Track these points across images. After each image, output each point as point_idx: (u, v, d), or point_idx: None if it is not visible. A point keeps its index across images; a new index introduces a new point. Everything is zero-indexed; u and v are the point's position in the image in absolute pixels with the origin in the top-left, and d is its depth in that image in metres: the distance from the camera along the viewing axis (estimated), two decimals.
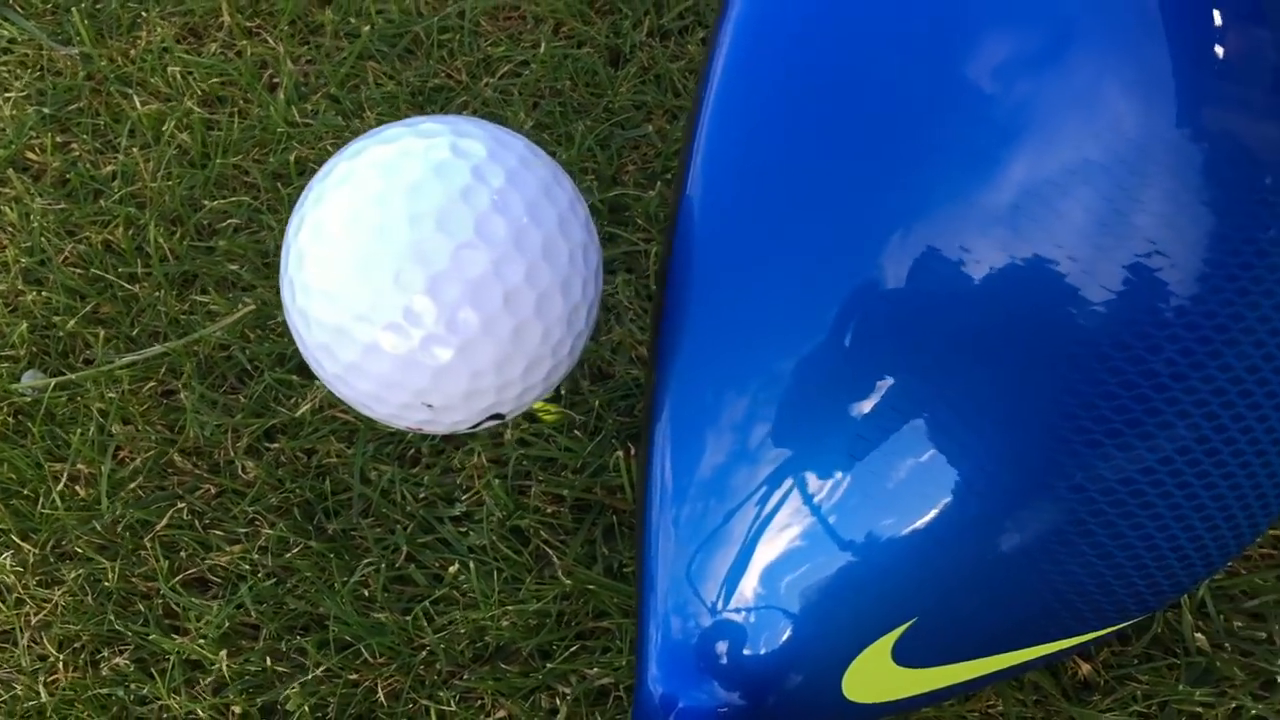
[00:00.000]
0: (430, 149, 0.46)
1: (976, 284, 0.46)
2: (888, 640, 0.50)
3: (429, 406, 0.47)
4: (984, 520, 0.48)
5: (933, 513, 0.47)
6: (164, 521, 0.66)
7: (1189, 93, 0.46)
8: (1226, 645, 0.57)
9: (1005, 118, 0.46)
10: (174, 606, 0.65)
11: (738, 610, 0.50)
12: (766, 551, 0.49)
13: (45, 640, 0.64)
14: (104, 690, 0.63)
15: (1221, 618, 0.57)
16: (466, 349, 0.45)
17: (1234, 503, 0.50)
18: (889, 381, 0.47)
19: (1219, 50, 0.47)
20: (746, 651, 0.50)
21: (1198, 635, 0.57)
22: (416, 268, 0.44)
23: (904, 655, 0.50)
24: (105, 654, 0.64)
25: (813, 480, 0.47)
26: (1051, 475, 0.47)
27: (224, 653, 0.63)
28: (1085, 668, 0.57)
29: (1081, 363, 0.46)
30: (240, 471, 0.68)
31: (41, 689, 0.62)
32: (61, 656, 0.64)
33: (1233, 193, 0.46)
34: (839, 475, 0.48)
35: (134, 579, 0.66)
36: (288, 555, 0.65)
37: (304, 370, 0.71)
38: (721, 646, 0.50)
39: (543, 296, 0.46)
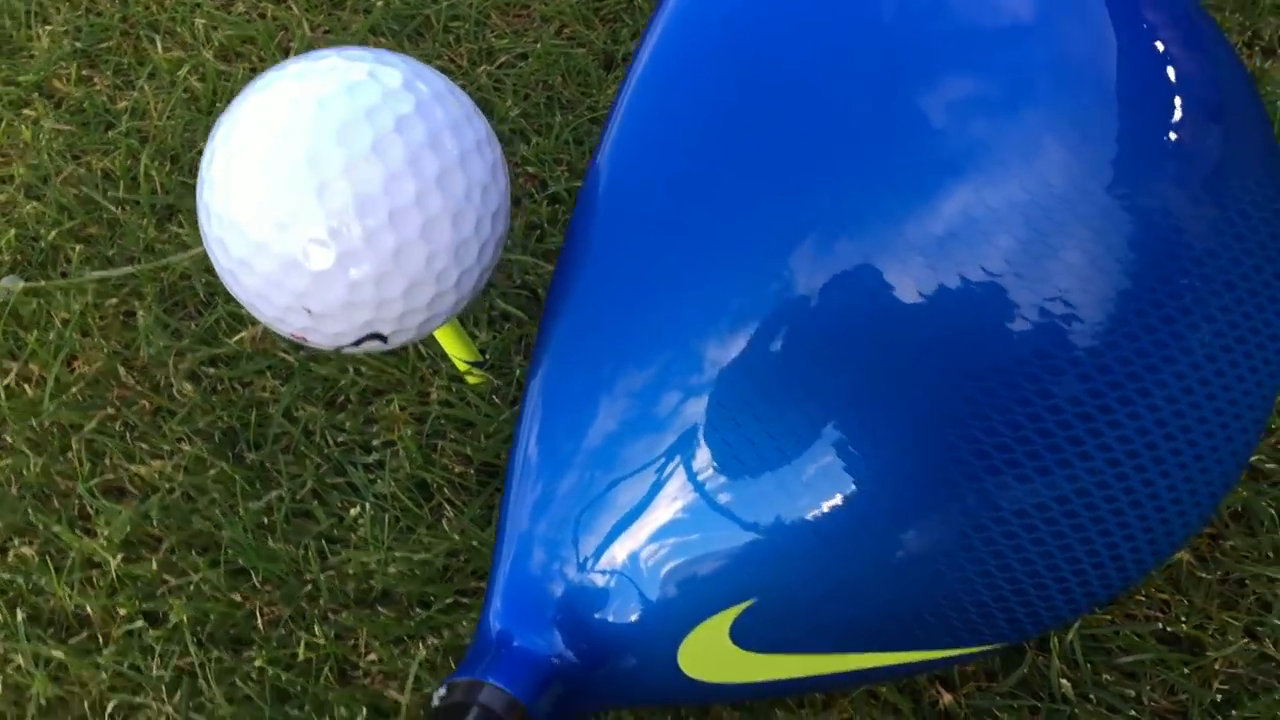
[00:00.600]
0: (349, 70, 0.49)
1: (893, 297, 0.46)
2: (725, 618, 0.50)
3: (308, 312, 0.49)
4: (857, 520, 0.48)
5: (798, 503, 0.48)
6: (93, 425, 0.69)
7: (1130, 167, 0.48)
8: (1092, 697, 0.55)
9: (939, 148, 0.48)
10: (88, 509, 0.67)
11: (585, 564, 0.50)
12: (616, 514, 0.49)
13: None
14: (5, 575, 0.65)
15: (1090, 668, 0.56)
16: (346, 257, 0.47)
17: (1123, 545, 0.49)
18: (782, 372, 0.47)
19: (1171, 136, 0.49)
20: (587, 609, 0.50)
21: (1064, 682, 0.55)
22: (309, 173, 0.46)
23: (742, 637, 0.50)
24: (15, 542, 0.66)
25: (673, 453, 0.48)
26: (942, 493, 0.48)
27: (120, 556, 0.64)
28: (947, 698, 0.57)
29: (991, 388, 0.47)
30: (177, 393, 0.70)
31: None
32: None
33: (1153, 260, 0.48)
34: (704, 454, 0.48)
35: (56, 477, 0.68)
36: (202, 476, 0.67)
37: None
38: (562, 596, 0.50)
39: (431, 221, 0.48)
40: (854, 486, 0.47)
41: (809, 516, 0.48)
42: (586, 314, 0.51)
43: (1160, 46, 0.52)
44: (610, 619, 0.50)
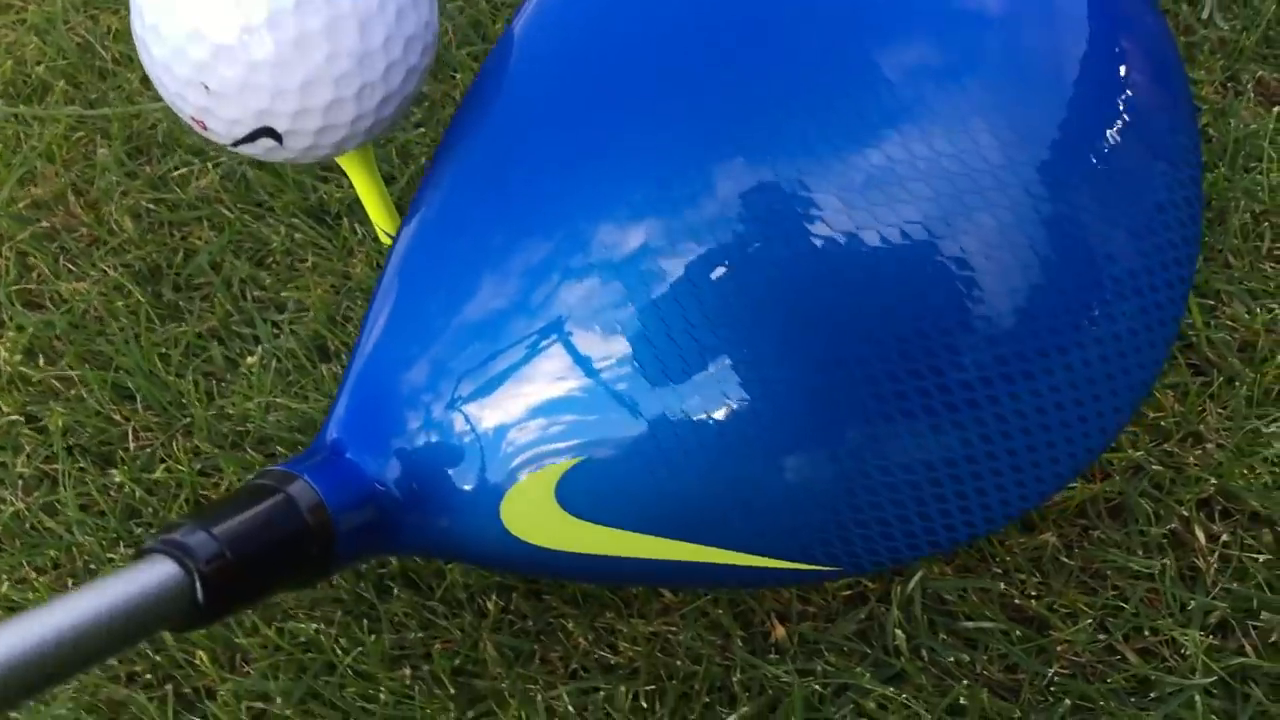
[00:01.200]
0: None
1: (805, 228, 0.46)
2: (553, 472, 0.49)
3: (206, 89, 0.50)
4: (731, 418, 0.47)
5: (667, 391, 0.47)
6: (27, 236, 0.70)
7: (1055, 171, 0.48)
8: (925, 655, 0.53)
9: (876, 92, 0.48)
10: (3, 315, 0.68)
11: (431, 401, 0.49)
12: (473, 360, 0.49)
13: None
14: None
15: (929, 626, 0.54)
16: (247, 34, 0.48)
17: (981, 499, 0.49)
18: (680, 277, 0.47)
19: (1096, 154, 0.49)
20: (424, 445, 0.49)
21: (899, 633, 0.53)
22: None
23: (567, 498, 0.49)
24: None
25: (543, 303, 0.48)
26: (822, 417, 0.47)
27: (18, 357, 0.65)
28: (780, 630, 0.55)
29: (903, 338, 0.47)
30: (116, 226, 0.71)
31: None
32: None
33: (1071, 245, 0.48)
34: (577, 329, 0.48)
35: None
36: (117, 303, 0.68)
37: (205, 150, 0.74)
38: (402, 426, 0.49)
39: (337, 19, 0.49)
40: (732, 387, 0.47)
41: (681, 408, 0.47)
42: (487, 177, 0.51)
43: (1112, 47, 0.52)
44: (443, 458, 0.49)
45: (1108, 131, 0.50)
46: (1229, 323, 0.60)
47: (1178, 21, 0.71)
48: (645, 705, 0.54)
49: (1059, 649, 0.53)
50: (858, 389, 0.48)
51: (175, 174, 0.74)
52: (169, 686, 0.56)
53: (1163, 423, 0.57)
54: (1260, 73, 0.69)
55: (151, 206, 0.72)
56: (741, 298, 0.47)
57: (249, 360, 0.65)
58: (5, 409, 0.64)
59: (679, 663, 0.54)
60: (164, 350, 0.66)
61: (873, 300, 0.47)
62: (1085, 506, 0.57)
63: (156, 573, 0.41)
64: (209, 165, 0.73)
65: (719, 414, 0.48)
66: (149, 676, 0.56)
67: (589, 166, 0.49)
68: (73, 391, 0.65)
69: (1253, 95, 0.67)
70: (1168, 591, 0.53)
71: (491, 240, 0.50)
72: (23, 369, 0.65)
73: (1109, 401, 0.50)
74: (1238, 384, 0.58)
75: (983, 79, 0.49)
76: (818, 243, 0.47)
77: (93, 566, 0.58)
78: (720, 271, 0.47)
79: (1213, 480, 0.55)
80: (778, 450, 0.48)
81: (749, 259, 0.47)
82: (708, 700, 0.54)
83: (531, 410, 0.49)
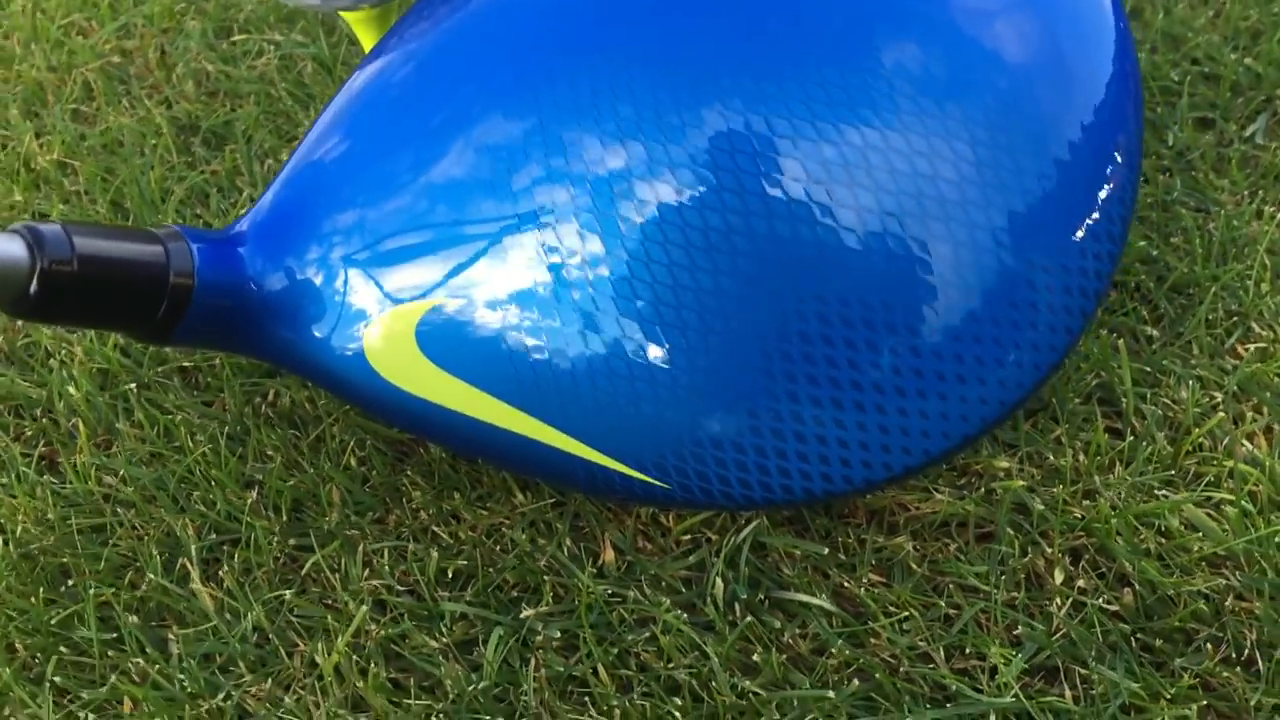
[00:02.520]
0: None
1: (765, 189, 0.48)
2: (416, 310, 0.50)
3: None
4: (601, 305, 0.48)
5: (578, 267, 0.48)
6: (99, 65, 0.77)
7: (1011, 207, 0.49)
8: (736, 609, 0.51)
9: (876, 82, 0.50)
10: (55, 124, 0.75)
11: (336, 238, 0.52)
12: (386, 210, 0.51)
13: None
14: None
15: (750, 586, 0.52)
16: None
17: (816, 473, 0.50)
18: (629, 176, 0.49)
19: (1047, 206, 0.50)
20: (313, 268, 0.51)
21: (719, 581, 0.52)
22: None
23: (426, 340, 0.50)
24: None
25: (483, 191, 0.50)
26: (705, 354, 0.48)
27: (52, 157, 0.71)
28: (610, 554, 0.54)
29: (807, 300, 0.48)
30: (178, 83, 0.77)
31: None
32: None
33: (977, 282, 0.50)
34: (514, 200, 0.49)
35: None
36: (149, 139, 0.73)
37: (275, 37, 0.80)
38: (303, 249, 0.52)
39: None
40: (620, 283, 0.48)
41: (557, 278, 0.48)
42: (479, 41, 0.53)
43: (1108, 136, 0.53)
44: (324, 282, 0.51)
45: (1062, 191, 0.51)
46: (1166, 400, 0.57)
47: (1220, 133, 0.70)
48: (452, 580, 0.53)
49: (873, 641, 0.51)
50: (745, 331, 0.48)
51: (244, 53, 0.80)
52: (43, 447, 0.59)
53: (1061, 467, 0.55)
54: None
55: (214, 75, 0.78)
56: (658, 212, 0.48)
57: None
58: (19, 200, 0.70)
59: (504, 556, 0.54)
60: (169, 187, 0.71)
61: (797, 257, 0.48)
62: (953, 525, 0.54)
63: (7, 246, 0.44)
64: (274, 51, 0.79)
65: (593, 299, 0.48)
66: (29, 433, 0.60)
67: (577, 70, 0.51)
68: (82, 200, 0.70)
69: (1271, 214, 0.65)
70: (1005, 617, 0.50)
71: (466, 105, 0.51)
72: (50, 173, 0.70)
73: (956, 407, 0.50)
74: (1152, 455, 0.55)
75: (982, 105, 0.50)
76: (771, 201, 0.48)
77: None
78: (644, 187, 0.48)
79: (1091, 534, 0.53)
80: (644, 356, 0.49)
81: (682, 184, 0.48)
82: (515, 595, 0.53)
83: (411, 248, 0.51)
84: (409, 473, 0.57)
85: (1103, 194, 0.52)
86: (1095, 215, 0.51)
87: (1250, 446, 0.55)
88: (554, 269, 0.48)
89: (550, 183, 0.49)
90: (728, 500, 0.51)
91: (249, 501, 0.56)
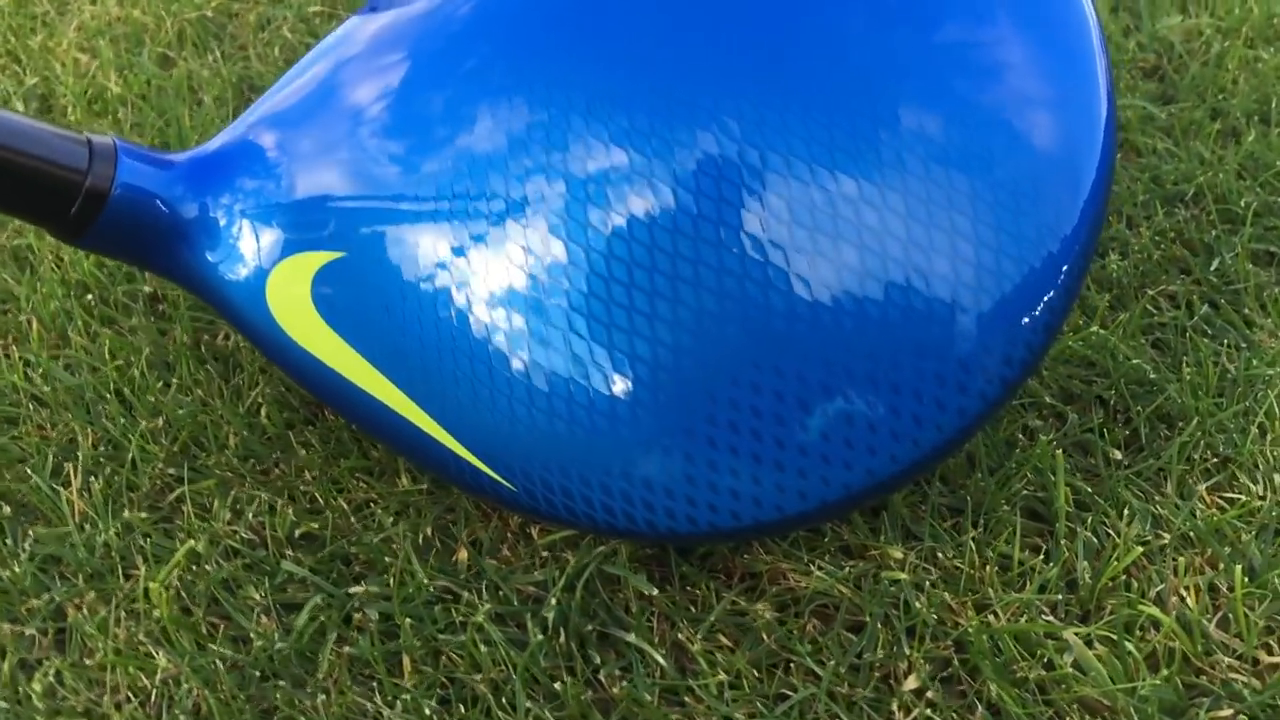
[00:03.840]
0: None
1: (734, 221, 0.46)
2: (313, 260, 0.50)
3: None
4: (499, 299, 0.47)
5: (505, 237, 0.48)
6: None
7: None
8: (563, 634, 0.48)
9: (875, 136, 0.48)
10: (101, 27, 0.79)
11: (263, 183, 0.53)
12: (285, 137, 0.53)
13: None
14: None
15: (589, 610, 0.49)
16: None
17: (660, 509, 0.48)
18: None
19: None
20: (235, 208, 0.52)
21: (553, 602, 0.49)
22: None
23: (321, 299, 0.50)
24: None
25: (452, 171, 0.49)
26: (595, 377, 0.47)
27: (83, 41, 0.75)
28: (463, 554, 0.52)
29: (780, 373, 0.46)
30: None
31: None
32: None
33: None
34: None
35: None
36: (173, 32, 0.77)
37: None
38: (232, 188, 0.53)
39: None
40: (529, 285, 0.47)
41: (466, 265, 0.48)
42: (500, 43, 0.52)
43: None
44: (240, 221, 0.52)
45: (1002, 289, 0.46)
46: (1108, 529, 0.51)
47: (1277, 275, 0.63)
48: (297, 538, 0.53)
49: (691, 702, 0.47)
50: (652, 362, 0.46)
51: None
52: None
53: (958, 572, 0.50)
54: None
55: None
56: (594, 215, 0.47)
57: None
58: (72, 120, 0.74)
59: (362, 531, 0.53)
60: (161, 82, 0.74)
61: (744, 304, 0.46)
62: (828, 608, 0.50)
63: None
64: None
65: (489, 288, 0.48)
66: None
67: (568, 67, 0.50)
68: (128, 133, 0.73)
69: None
70: (837, 713, 0.46)
71: (429, 76, 0.51)
72: (77, 53, 0.75)
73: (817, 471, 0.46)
74: (1071, 582, 0.49)
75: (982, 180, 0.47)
76: (737, 237, 0.46)
77: None
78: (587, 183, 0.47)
79: (963, 648, 0.47)
80: (529, 365, 0.47)
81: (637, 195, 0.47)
82: (357, 571, 0.52)
83: (323, 197, 0.51)
84: (307, 432, 0.57)
85: (1047, 297, 0.47)
86: (1026, 319, 0.46)
87: (1183, 601, 0.49)
88: (484, 254, 0.48)
89: (510, 172, 0.48)
90: (571, 517, 0.48)
91: (148, 426, 0.57)
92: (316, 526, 0.53)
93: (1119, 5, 0.83)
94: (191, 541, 0.52)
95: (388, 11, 0.55)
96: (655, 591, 0.50)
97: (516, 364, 0.47)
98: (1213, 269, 0.63)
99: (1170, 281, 0.63)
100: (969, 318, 0.46)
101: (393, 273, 0.49)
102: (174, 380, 0.59)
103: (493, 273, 0.48)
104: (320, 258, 0.51)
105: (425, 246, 0.49)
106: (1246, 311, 0.61)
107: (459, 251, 0.48)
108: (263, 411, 0.57)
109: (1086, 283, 0.62)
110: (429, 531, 0.53)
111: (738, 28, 0.49)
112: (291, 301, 0.51)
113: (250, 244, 0.52)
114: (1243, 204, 0.66)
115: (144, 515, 0.53)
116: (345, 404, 0.52)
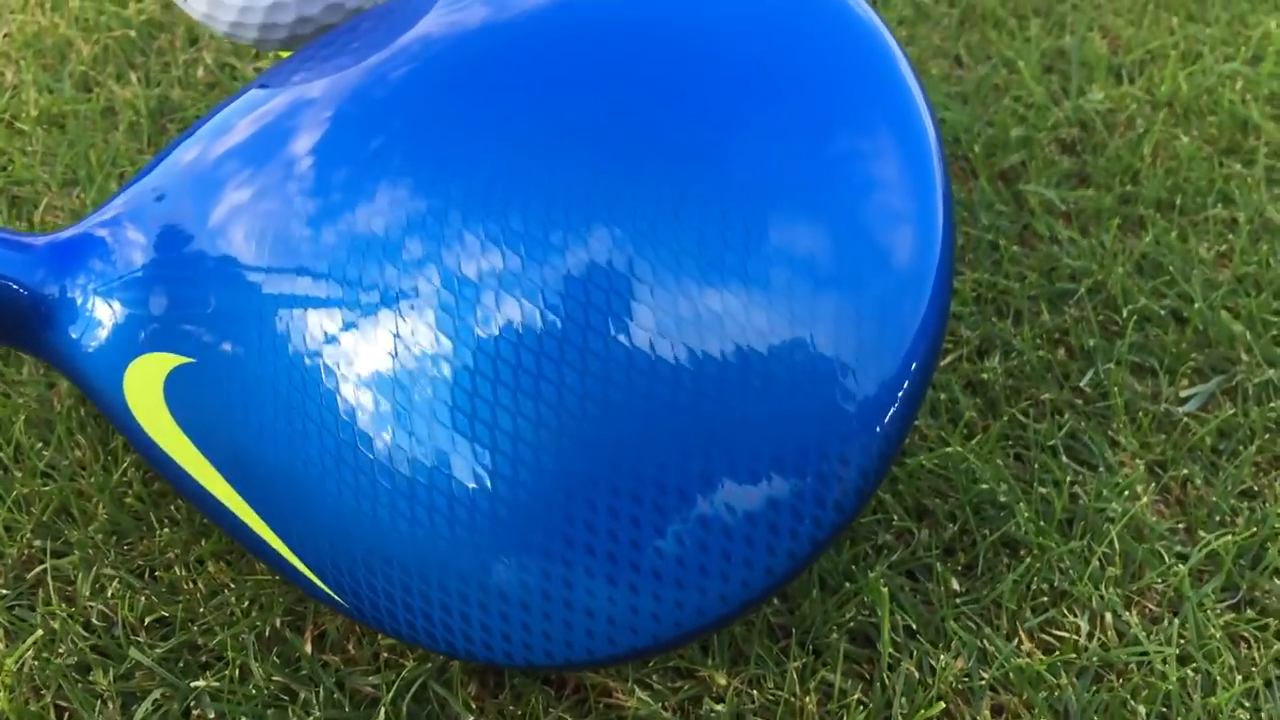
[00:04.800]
0: None
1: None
2: (166, 361, 0.51)
3: None
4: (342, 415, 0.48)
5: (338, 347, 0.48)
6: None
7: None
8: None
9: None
10: None
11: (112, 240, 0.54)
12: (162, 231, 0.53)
13: None
14: None
15: None
16: None
17: (497, 639, 0.49)
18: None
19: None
20: (91, 297, 0.53)
21: (383, 714, 0.51)
22: None
23: (172, 399, 0.51)
24: None
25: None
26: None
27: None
28: (308, 648, 0.54)
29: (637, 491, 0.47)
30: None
31: None
32: None
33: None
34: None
35: None
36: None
37: None
38: (90, 268, 0.53)
39: None
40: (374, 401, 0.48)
41: (313, 383, 0.49)
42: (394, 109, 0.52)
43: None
44: (103, 312, 0.53)
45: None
46: (932, 662, 0.53)
47: (1154, 387, 0.63)
48: (150, 623, 0.54)
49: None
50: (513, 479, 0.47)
51: (256, 54, 0.82)
52: None
53: (776, 701, 0.51)
54: (1185, 473, 0.60)
55: (218, 66, 0.81)
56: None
57: None
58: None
59: (212, 618, 0.54)
60: (124, 170, 0.74)
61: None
62: None
63: None
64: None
65: (330, 407, 0.48)
66: None
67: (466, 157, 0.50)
68: (35, 163, 0.74)
69: (1151, 501, 0.59)
70: None
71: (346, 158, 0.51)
72: (28, 129, 0.75)
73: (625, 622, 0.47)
74: (888, 716, 0.51)
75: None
76: (612, 344, 0.47)
77: None
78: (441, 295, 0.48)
79: None
80: (360, 470, 0.48)
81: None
82: (201, 659, 0.53)
83: (179, 296, 0.52)
84: (174, 507, 0.58)
85: (892, 410, 0.47)
86: (878, 427, 0.47)
87: None
88: (339, 354, 0.48)
89: (381, 266, 0.48)
90: (394, 629, 0.50)
91: (20, 492, 0.58)
92: (168, 613, 0.54)
93: (1052, 66, 0.82)
94: (50, 621, 0.53)
95: (284, 81, 0.55)
96: (494, 715, 0.51)
97: (364, 480, 0.48)
98: (1087, 379, 0.63)
99: (1045, 388, 0.63)
100: (822, 429, 0.47)
101: (240, 385, 0.50)
102: (52, 441, 0.60)
103: (347, 380, 0.48)
104: (172, 360, 0.52)
105: (274, 353, 0.49)
106: (1113, 430, 0.62)
107: (303, 360, 0.49)
108: (133, 484, 0.59)
109: (956, 389, 0.63)
110: (278, 623, 0.54)
111: (621, 134, 0.49)
112: (145, 396, 0.52)
113: (108, 334, 0.53)
114: (1128, 310, 0.66)
115: (5, 591, 0.55)
116: (195, 501, 0.53)
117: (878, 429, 0.47)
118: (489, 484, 0.47)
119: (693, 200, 0.47)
